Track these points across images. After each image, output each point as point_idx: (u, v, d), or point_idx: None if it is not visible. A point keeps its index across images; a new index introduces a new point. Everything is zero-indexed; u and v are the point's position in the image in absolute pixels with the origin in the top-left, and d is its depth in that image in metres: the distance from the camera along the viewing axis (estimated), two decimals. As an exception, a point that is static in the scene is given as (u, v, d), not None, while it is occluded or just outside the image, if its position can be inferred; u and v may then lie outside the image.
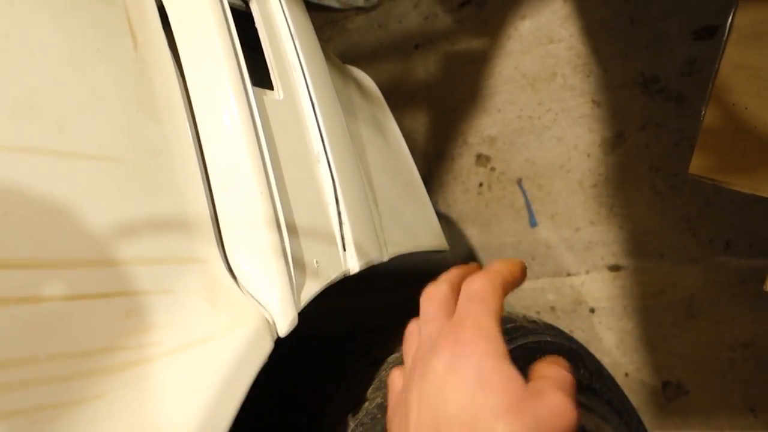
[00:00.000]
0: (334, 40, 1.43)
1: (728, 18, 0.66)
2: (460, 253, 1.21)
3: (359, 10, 1.41)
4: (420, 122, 1.29)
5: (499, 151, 1.19)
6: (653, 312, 1.03)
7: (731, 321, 0.97)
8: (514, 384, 0.34)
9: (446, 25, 1.28)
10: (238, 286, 0.54)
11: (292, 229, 0.57)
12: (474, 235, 1.20)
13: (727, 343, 0.97)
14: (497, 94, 1.21)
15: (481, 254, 1.20)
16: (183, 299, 0.50)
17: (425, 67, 1.30)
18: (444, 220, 1.23)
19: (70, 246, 0.45)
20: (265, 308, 0.53)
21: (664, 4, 1.05)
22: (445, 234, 1.20)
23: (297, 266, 0.56)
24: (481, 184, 1.20)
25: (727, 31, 0.66)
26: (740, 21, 0.65)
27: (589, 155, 1.10)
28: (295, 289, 0.55)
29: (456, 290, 0.43)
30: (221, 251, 0.55)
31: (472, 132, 1.22)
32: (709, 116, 0.67)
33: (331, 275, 0.60)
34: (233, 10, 0.64)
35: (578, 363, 0.82)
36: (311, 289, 0.57)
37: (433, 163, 1.26)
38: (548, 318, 1.11)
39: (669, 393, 1.01)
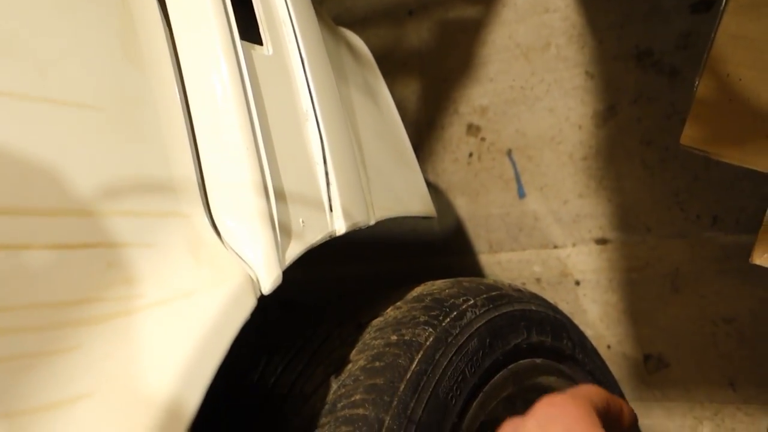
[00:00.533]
0: (326, 3, 1.41)
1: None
2: (448, 223, 1.21)
3: (353, -27, 1.39)
4: (411, 90, 1.28)
5: (490, 121, 1.18)
6: (638, 285, 1.04)
7: (715, 296, 0.98)
8: None
9: (441, -9, 1.26)
10: (222, 243, 0.53)
11: (278, 188, 0.56)
12: (462, 205, 1.20)
13: (709, 317, 0.98)
14: (490, 63, 1.19)
15: (469, 224, 1.19)
16: (165, 253, 0.49)
17: (418, 33, 1.28)
18: (432, 189, 1.22)
19: (49, 194, 0.44)
20: (249, 265, 0.52)
21: (661, -25, 1.04)
22: (433, 202, 1.19)
23: (282, 225, 0.55)
24: (471, 154, 1.20)
25: (724, 0, 0.65)
26: (738, -10, 0.64)
27: (580, 127, 1.10)
28: (280, 248, 0.54)
29: None
30: (205, 207, 0.54)
31: (463, 101, 1.21)
32: (703, 87, 0.66)
33: (317, 236, 0.59)
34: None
35: (562, 333, 0.82)
36: (296, 248, 0.57)
37: (424, 131, 1.25)
38: (534, 290, 1.11)
39: (650, 366, 1.02)
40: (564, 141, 1.11)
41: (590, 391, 0.41)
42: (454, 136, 1.22)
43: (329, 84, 0.67)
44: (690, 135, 0.68)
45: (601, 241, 1.07)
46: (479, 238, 1.18)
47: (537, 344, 0.76)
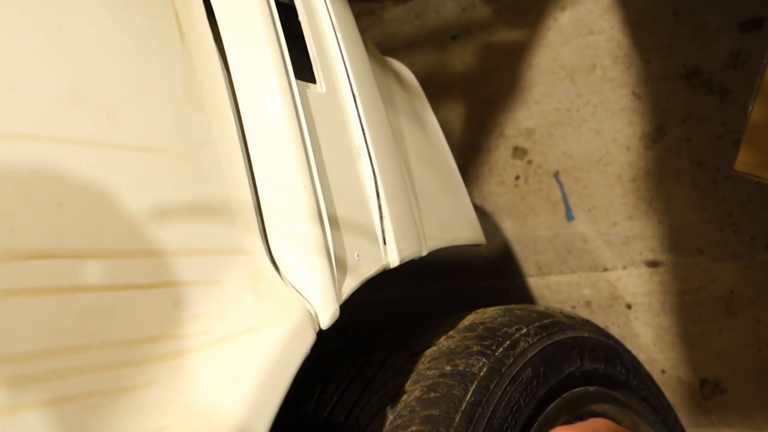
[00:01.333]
0: (370, 30, 1.43)
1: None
2: (495, 246, 1.21)
3: (397, 0, 1.41)
4: (456, 113, 1.29)
5: (536, 143, 1.18)
6: (691, 309, 1.02)
7: (772, 319, 0.96)
8: None
9: (484, 15, 1.27)
10: (282, 278, 0.55)
11: (334, 222, 0.58)
12: (509, 227, 1.20)
13: (766, 341, 0.96)
14: (535, 85, 1.20)
15: (517, 247, 1.19)
16: (228, 290, 0.51)
17: (462, 58, 1.29)
18: (479, 212, 1.23)
19: (119, 237, 0.46)
20: (307, 300, 0.54)
21: (708, -6, 1.03)
22: (480, 227, 1.19)
23: (339, 259, 0.57)
24: (517, 177, 1.20)
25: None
26: (792, 15, 0.64)
27: (628, 149, 1.09)
28: (337, 282, 0.56)
29: None
30: (265, 243, 0.56)
31: (508, 124, 1.22)
32: (757, 111, 0.66)
33: (372, 269, 0.61)
34: (277, 3, 0.65)
35: (615, 359, 0.82)
36: (352, 282, 0.58)
37: (469, 155, 1.26)
38: (584, 313, 1.10)
39: (706, 391, 1.00)
40: (612, 162, 1.10)
41: (598, 424, 0.42)
42: (500, 158, 1.22)
43: (381, 119, 0.69)
44: (744, 161, 0.67)
45: (653, 264, 1.06)
46: (527, 261, 1.18)
47: (590, 372, 0.75)
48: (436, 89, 1.32)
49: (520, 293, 1.19)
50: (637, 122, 1.08)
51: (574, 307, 1.12)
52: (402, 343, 0.74)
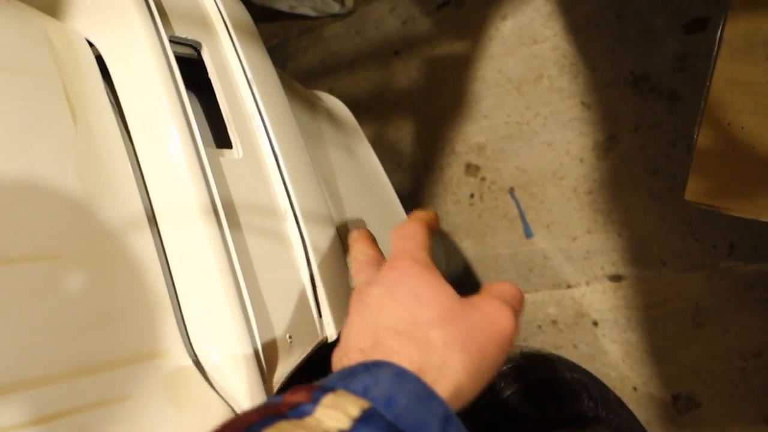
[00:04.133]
0: (311, 49, 1.38)
1: (720, 15, 0.61)
2: (456, 267, 1.17)
3: (335, 17, 1.36)
4: (405, 131, 1.24)
5: (489, 159, 1.14)
6: (658, 322, 0.99)
7: (740, 329, 0.93)
8: (446, 298, 0.37)
9: (425, 28, 1.23)
10: (205, 375, 0.50)
11: (260, 305, 0.53)
12: (468, 247, 1.16)
13: (737, 352, 0.93)
14: (482, 99, 1.15)
15: (477, 267, 1.15)
16: (142, 404, 0.46)
17: (407, 73, 1.25)
18: (437, 233, 1.19)
19: (10, 364, 0.41)
20: (233, 399, 0.49)
21: (650, -4, 1.00)
22: (439, 247, 1.15)
23: (267, 347, 0.52)
24: (472, 195, 1.16)
25: (716, 45, 0.60)
26: (730, 33, 0.60)
27: (581, 160, 1.05)
28: (266, 373, 0.51)
29: (378, 251, 0.48)
30: (185, 337, 0.51)
31: (459, 140, 1.17)
32: (703, 138, 0.62)
33: (306, 349, 0.56)
34: (183, 59, 0.60)
35: (581, 393, 0.78)
36: (284, 368, 0.53)
37: (422, 174, 1.21)
38: (550, 332, 1.07)
39: (680, 406, 0.97)
40: (566, 175, 1.07)
41: (415, 236, 0.43)
42: (453, 176, 1.18)
43: (308, 176, 0.64)
44: (695, 189, 0.64)
45: (616, 278, 1.03)
46: (489, 281, 1.14)
47: (554, 418, 0.72)
48: (383, 107, 1.27)
49: (485, 314, 1.15)
50: (588, 132, 1.05)
51: (540, 327, 1.09)
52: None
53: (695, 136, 0.62)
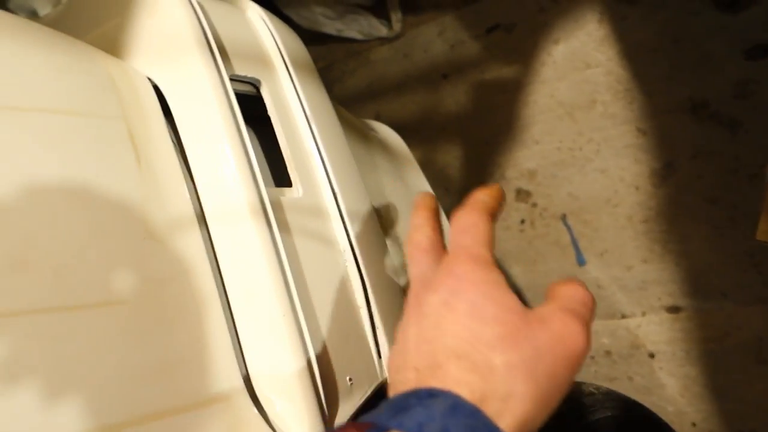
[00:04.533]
0: (357, 72, 1.38)
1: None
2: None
3: (382, 40, 1.36)
4: (453, 156, 1.23)
5: (540, 185, 1.12)
6: (719, 357, 0.96)
7: (807, 367, 0.90)
8: (510, 313, 0.33)
9: (474, 52, 1.22)
10: (266, 419, 0.50)
11: (321, 348, 0.53)
12: (518, 274, 1.14)
13: (803, 390, 0.90)
14: (534, 124, 1.14)
15: (527, 294, 1.13)
16: (206, 449, 0.46)
17: (455, 97, 1.24)
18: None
19: (82, 416, 0.41)
20: (295, 446, 0.49)
21: (708, 21, 0.97)
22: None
23: (329, 391, 0.51)
24: (523, 221, 1.14)
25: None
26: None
27: (637, 188, 1.03)
28: (327, 418, 0.51)
29: (439, 231, 0.42)
30: (247, 382, 0.51)
31: (509, 165, 1.16)
32: (777, 176, 0.60)
33: (367, 390, 0.55)
34: (244, 96, 0.60)
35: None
36: (345, 412, 0.53)
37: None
38: (604, 363, 1.04)
39: (742, 445, 0.94)
40: (621, 203, 1.04)
41: (476, 228, 0.38)
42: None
43: (366, 215, 0.63)
44: (767, 230, 0.61)
45: (674, 309, 1.00)
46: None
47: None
48: (431, 131, 1.26)
49: (536, 342, 1.13)
50: (643, 160, 1.02)
51: (593, 357, 1.06)
52: None
53: (766, 175, 0.60)
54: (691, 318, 0.98)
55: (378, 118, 0.88)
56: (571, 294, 0.34)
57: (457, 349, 0.33)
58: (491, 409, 0.31)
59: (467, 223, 0.38)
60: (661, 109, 1.01)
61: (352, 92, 1.39)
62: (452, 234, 0.39)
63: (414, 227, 0.43)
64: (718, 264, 0.96)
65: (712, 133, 0.97)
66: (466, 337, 0.33)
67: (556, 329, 0.32)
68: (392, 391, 0.36)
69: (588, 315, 0.34)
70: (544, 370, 0.32)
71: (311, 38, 1.42)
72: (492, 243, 0.37)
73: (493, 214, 0.39)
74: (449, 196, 1.21)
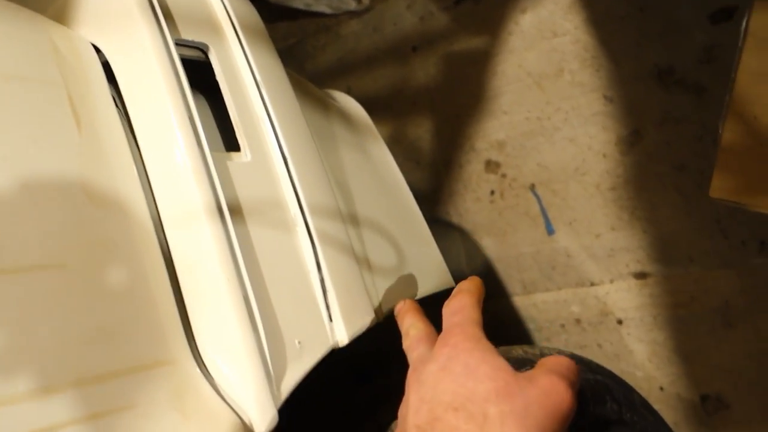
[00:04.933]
0: (328, 47, 1.37)
1: (746, 4, 0.58)
2: (477, 266, 1.15)
3: (352, 14, 1.34)
4: (424, 129, 1.23)
5: (509, 156, 1.12)
6: (686, 322, 0.96)
7: (772, 329, 0.90)
8: (501, 372, 0.37)
9: (443, 24, 1.21)
10: (211, 383, 0.49)
11: (268, 310, 0.52)
12: (489, 245, 1.14)
13: (767, 352, 0.90)
14: (502, 94, 1.13)
15: (499, 265, 1.13)
16: (148, 412, 0.46)
17: (425, 70, 1.23)
18: (457, 231, 1.17)
19: (16, 374, 0.40)
20: (240, 408, 0.48)
21: (675, -14, 0.97)
22: (459, 246, 1.13)
23: (276, 354, 0.51)
24: (492, 192, 1.14)
25: (741, 36, 0.58)
26: (756, 24, 0.58)
27: (605, 156, 1.03)
28: (274, 382, 0.50)
29: (429, 324, 0.49)
30: (192, 345, 0.50)
31: (479, 137, 1.15)
32: (728, 133, 0.60)
33: (317, 354, 0.55)
34: (191, 62, 0.59)
35: (605, 396, 0.76)
36: (294, 375, 0.52)
37: (441, 171, 1.20)
38: (574, 331, 1.05)
39: (708, 407, 0.94)
40: (589, 171, 1.04)
41: (464, 309, 0.44)
42: (473, 174, 1.16)
43: (319, 181, 0.63)
44: (720, 186, 0.61)
45: (641, 276, 1.00)
46: (511, 279, 1.12)
47: (575, 422, 0.70)
48: (402, 104, 1.26)
49: (508, 313, 1.13)
50: (611, 127, 1.02)
51: (563, 326, 1.06)
52: (369, 413, 0.68)
53: (720, 132, 0.59)
54: (658, 284, 0.98)
55: (349, 93, 0.87)
56: (556, 360, 0.39)
57: (453, 403, 0.37)
58: None
59: (457, 307, 0.45)
60: (628, 76, 1.01)
61: (323, 67, 1.38)
62: (445, 317, 0.45)
63: (407, 325, 0.50)
64: (686, 230, 0.96)
65: (679, 99, 0.97)
66: (462, 392, 0.37)
67: (543, 386, 0.36)
68: None
69: (572, 378, 0.38)
70: (534, 421, 0.35)
71: (281, 14, 1.40)
72: (480, 322, 0.43)
73: (479, 300, 0.46)
74: (420, 169, 1.20)
